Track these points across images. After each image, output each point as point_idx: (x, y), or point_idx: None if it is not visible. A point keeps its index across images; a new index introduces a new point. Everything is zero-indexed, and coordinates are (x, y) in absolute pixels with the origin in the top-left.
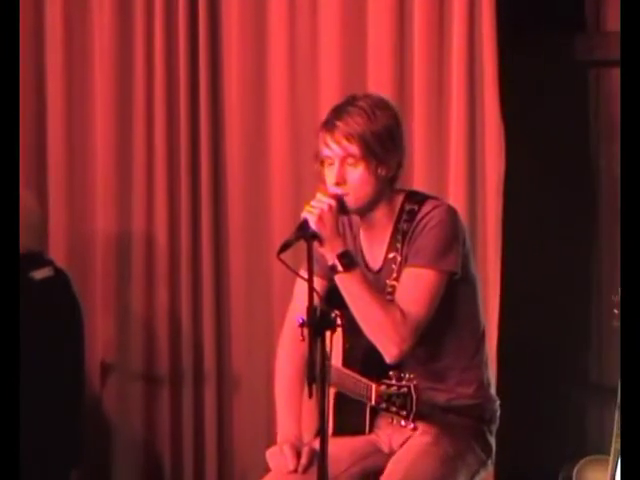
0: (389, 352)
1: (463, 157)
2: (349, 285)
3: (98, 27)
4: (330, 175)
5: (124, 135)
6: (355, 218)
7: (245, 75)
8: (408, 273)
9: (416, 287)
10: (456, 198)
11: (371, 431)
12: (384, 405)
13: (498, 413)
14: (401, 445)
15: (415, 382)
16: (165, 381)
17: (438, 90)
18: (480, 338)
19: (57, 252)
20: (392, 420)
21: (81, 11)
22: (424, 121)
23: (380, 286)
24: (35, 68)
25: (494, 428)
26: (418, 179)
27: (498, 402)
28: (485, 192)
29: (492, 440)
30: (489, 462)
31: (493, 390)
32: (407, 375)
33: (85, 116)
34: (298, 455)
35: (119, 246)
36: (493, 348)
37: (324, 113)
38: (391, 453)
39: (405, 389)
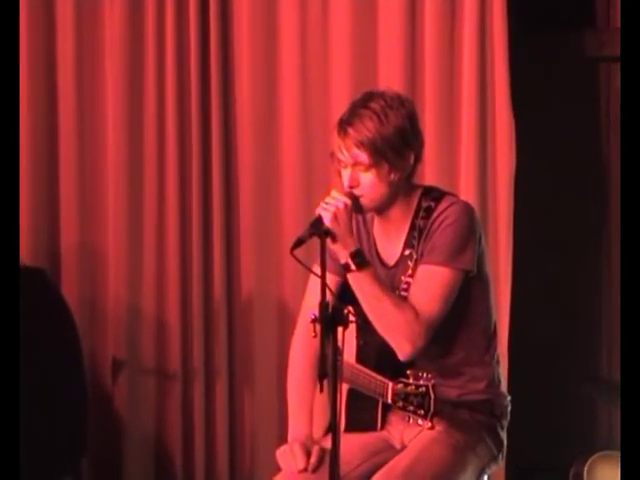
0: (402, 350)
1: (474, 154)
2: (362, 284)
3: (109, 24)
4: (345, 177)
5: (135, 135)
6: (369, 214)
7: (256, 73)
8: (423, 270)
9: (430, 285)
10: (467, 195)
11: (383, 427)
12: (401, 404)
13: (509, 408)
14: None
15: (433, 382)
16: (176, 377)
17: (449, 87)
18: (491, 335)
19: (68, 250)
20: (409, 419)
21: (92, 7)
22: (435, 119)
23: (395, 282)
24: (45, 65)
25: (505, 423)
26: (429, 177)
27: (509, 398)
28: (496, 189)
29: (503, 435)
30: (500, 456)
31: (503, 387)
32: (425, 374)
33: (96, 116)
34: (308, 454)
35: (130, 245)
36: (504, 345)
37: (335, 111)
38: (403, 449)
39: (423, 389)
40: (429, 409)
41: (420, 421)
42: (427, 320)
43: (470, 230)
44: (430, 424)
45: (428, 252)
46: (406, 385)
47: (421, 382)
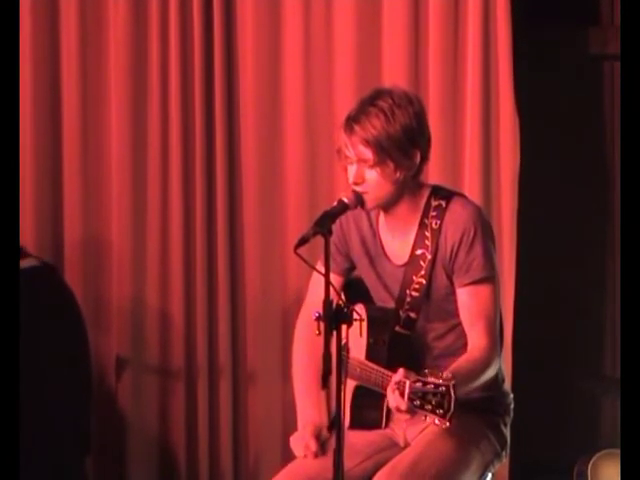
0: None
1: (478, 153)
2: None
3: (113, 23)
4: (350, 174)
5: (139, 133)
6: (374, 211)
7: (260, 72)
8: (467, 293)
9: (480, 304)
10: (471, 194)
11: (386, 425)
12: (418, 402)
13: (512, 406)
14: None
15: (454, 382)
16: (180, 375)
17: (453, 85)
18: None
19: (72, 248)
20: (425, 418)
21: (96, 7)
22: (439, 117)
23: (406, 281)
24: (50, 64)
25: (508, 421)
26: (433, 176)
27: (511, 396)
28: (500, 188)
29: (506, 432)
30: (503, 454)
31: (507, 385)
32: (444, 374)
33: (100, 113)
34: (319, 438)
35: (134, 241)
36: (509, 343)
37: (339, 109)
38: (406, 447)
39: (443, 388)
40: (449, 409)
41: (437, 420)
42: (491, 335)
43: (489, 236)
44: (448, 424)
45: (464, 272)
46: (425, 384)
47: (441, 381)
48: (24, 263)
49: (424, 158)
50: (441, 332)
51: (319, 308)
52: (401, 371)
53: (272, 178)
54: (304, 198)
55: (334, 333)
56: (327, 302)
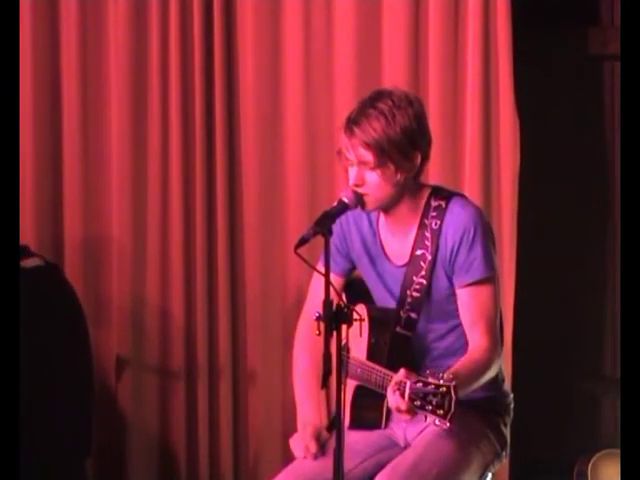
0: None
1: (478, 153)
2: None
3: (113, 23)
4: (350, 175)
5: (139, 133)
6: (374, 212)
7: (260, 72)
8: (468, 293)
9: (480, 303)
10: (471, 194)
11: (386, 425)
12: (419, 403)
13: (512, 406)
14: (416, 438)
15: (454, 382)
16: (180, 375)
17: (453, 86)
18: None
19: (72, 247)
20: (425, 418)
21: (96, 7)
22: (439, 118)
23: (406, 282)
24: (50, 66)
25: (508, 421)
26: (433, 176)
27: (511, 396)
28: (500, 188)
29: (506, 432)
30: (503, 454)
31: (507, 385)
32: (445, 375)
33: (100, 111)
34: (319, 439)
35: (135, 241)
36: (509, 343)
37: (339, 109)
38: (406, 446)
39: (444, 389)
40: (449, 409)
41: (437, 421)
42: (492, 335)
43: (489, 236)
44: (448, 424)
45: (464, 272)
46: (425, 384)
47: (442, 382)
48: (28, 263)
49: (425, 159)
50: (442, 332)
51: (320, 308)
52: (402, 371)
53: (272, 178)
54: (304, 198)
55: (334, 333)
56: (327, 302)
